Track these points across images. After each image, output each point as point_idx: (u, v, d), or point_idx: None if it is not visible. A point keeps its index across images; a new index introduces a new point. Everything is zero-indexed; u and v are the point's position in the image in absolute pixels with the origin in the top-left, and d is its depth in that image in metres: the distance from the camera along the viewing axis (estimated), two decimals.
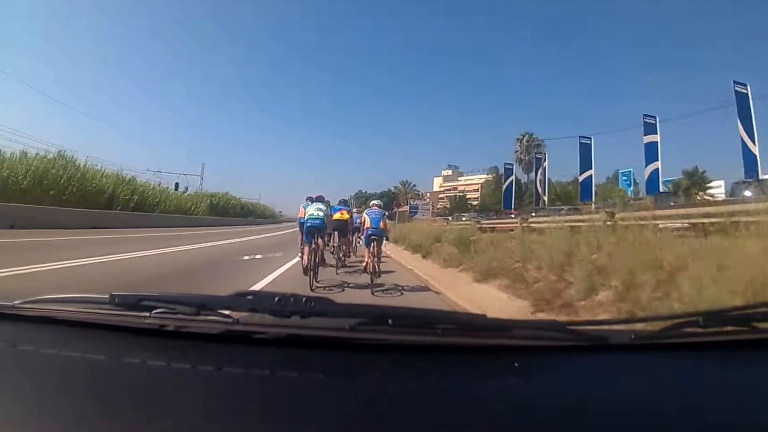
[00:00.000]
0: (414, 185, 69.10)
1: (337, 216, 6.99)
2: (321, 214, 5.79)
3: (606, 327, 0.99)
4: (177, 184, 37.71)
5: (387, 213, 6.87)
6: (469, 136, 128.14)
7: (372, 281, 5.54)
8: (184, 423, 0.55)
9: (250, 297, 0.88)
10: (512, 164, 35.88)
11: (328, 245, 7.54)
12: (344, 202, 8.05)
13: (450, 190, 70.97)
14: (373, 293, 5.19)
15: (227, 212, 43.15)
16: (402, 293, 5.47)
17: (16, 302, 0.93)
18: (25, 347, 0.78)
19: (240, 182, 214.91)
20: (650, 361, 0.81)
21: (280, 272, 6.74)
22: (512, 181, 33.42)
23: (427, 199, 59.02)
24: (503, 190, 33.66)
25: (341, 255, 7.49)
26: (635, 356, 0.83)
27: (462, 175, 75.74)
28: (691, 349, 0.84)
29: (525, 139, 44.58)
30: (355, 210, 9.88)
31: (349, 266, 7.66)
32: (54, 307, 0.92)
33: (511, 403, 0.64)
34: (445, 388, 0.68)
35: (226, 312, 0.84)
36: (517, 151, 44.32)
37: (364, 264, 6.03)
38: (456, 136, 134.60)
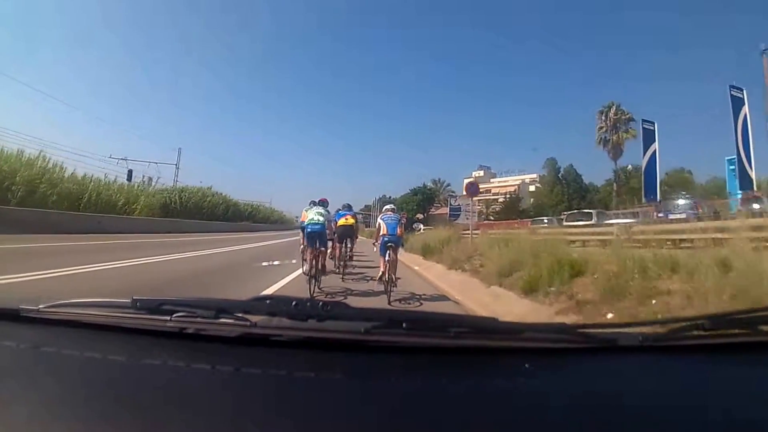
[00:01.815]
0: (449, 184, 55.81)
1: (341, 221, 6.89)
2: (321, 219, 5.51)
3: (614, 330, 0.99)
4: (130, 172, 29.71)
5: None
6: (499, 138, 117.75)
7: (388, 290, 5.12)
8: (204, 422, 0.56)
9: (268, 301, 0.91)
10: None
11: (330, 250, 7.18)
12: (348, 207, 7.54)
13: (483, 192, 59.94)
14: (390, 303, 4.92)
15: (201, 214, 32.07)
16: (421, 303, 5.25)
17: (40, 306, 0.94)
18: (48, 349, 0.79)
19: (258, 188, 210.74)
20: (657, 362, 0.82)
21: None
22: (655, 152, 20.32)
23: (472, 199, 47.24)
24: (643, 169, 21.10)
25: (345, 261, 7.19)
26: (642, 358, 0.84)
27: (495, 177, 64.98)
28: (696, 351, 0.85)
29: (612, 112, 31.11)
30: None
31: (353, 273, 7.44)
32: (76, 311, 0.94)
33: (521, 402, 0.65)
34: (458, 388, 0.69)
35: (245, 315, 0.85)
36: (601, 128, 31.25)
37: (380, 273, 5.44)
38: (485, 138, 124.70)
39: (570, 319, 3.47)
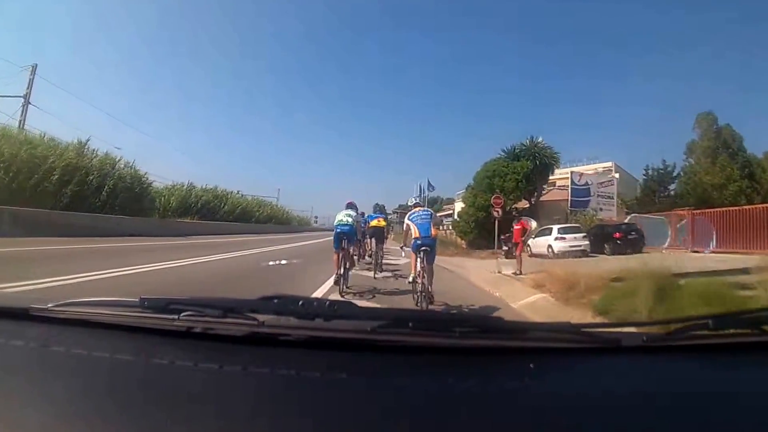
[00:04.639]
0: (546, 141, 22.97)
1: (374, 223, 7.59)
2: (350, 220, 5.69)
3: (618, 329, 0.98)
4: None
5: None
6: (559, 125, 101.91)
7: (423, 304, 4.42)
8: (212, 421, 0.57)
9: (275, 300, 0.91)
10: None
11: (360, 251, 7.81)
12: (380, 210, 8.20)
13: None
14: None
15: (21, 191, 12.95)
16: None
17: (49, 305, 0.95)
18: (57, 348, 0.80)
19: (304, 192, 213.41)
20: (661, 362, 0.82)
21: None
22: None
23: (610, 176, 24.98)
24: None
25: (379, 260, 7.53)
26: (647, 358, 0.83)
27: (557, 167, 48.00)
28: (700, 351, 0.85)
29: None
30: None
31: (386, 270, 7.69)
32: (85, 310, 0.94)
33: (526, 402, 0.65)
34: (463, 388, 0.69)
35: (253, 315, 0.85)
36: None
37: (411, 276, 4.92)
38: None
39: None
